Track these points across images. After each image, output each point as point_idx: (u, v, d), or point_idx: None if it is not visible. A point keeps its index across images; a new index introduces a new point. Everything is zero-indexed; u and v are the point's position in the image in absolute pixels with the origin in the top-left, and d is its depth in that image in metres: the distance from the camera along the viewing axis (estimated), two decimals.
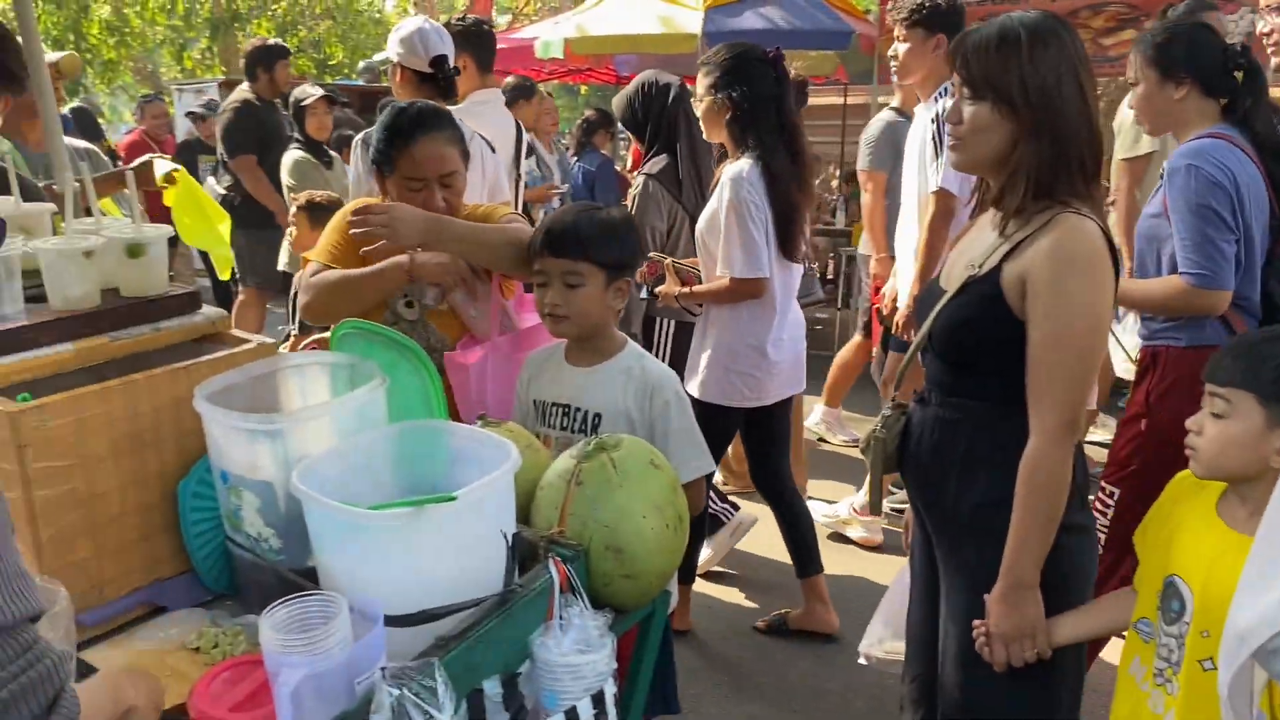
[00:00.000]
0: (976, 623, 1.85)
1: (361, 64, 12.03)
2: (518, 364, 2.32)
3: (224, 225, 3.52)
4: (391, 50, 3.38)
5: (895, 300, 4.02)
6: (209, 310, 1.86)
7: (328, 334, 2.04)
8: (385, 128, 2.28)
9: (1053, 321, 1.73)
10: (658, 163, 3.71)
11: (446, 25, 3.63)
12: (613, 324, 2.18)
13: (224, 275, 3.56)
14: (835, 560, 4.00)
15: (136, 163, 3.28)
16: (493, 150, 3.48)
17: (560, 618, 1.50)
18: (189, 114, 7.44)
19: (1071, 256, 1.73)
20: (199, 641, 1.56)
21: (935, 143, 3.55)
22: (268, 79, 5.73)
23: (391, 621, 1.37)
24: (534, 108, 6.15)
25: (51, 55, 3.38)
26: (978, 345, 1.89)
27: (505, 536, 1.46)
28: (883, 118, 4.68)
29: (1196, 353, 2.53)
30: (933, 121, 3.58)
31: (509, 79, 6.16)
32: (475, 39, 3.76)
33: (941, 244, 3.51)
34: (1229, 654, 0.84)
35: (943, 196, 3.51)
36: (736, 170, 3.11)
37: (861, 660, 2.47)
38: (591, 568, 1.61)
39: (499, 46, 7.53)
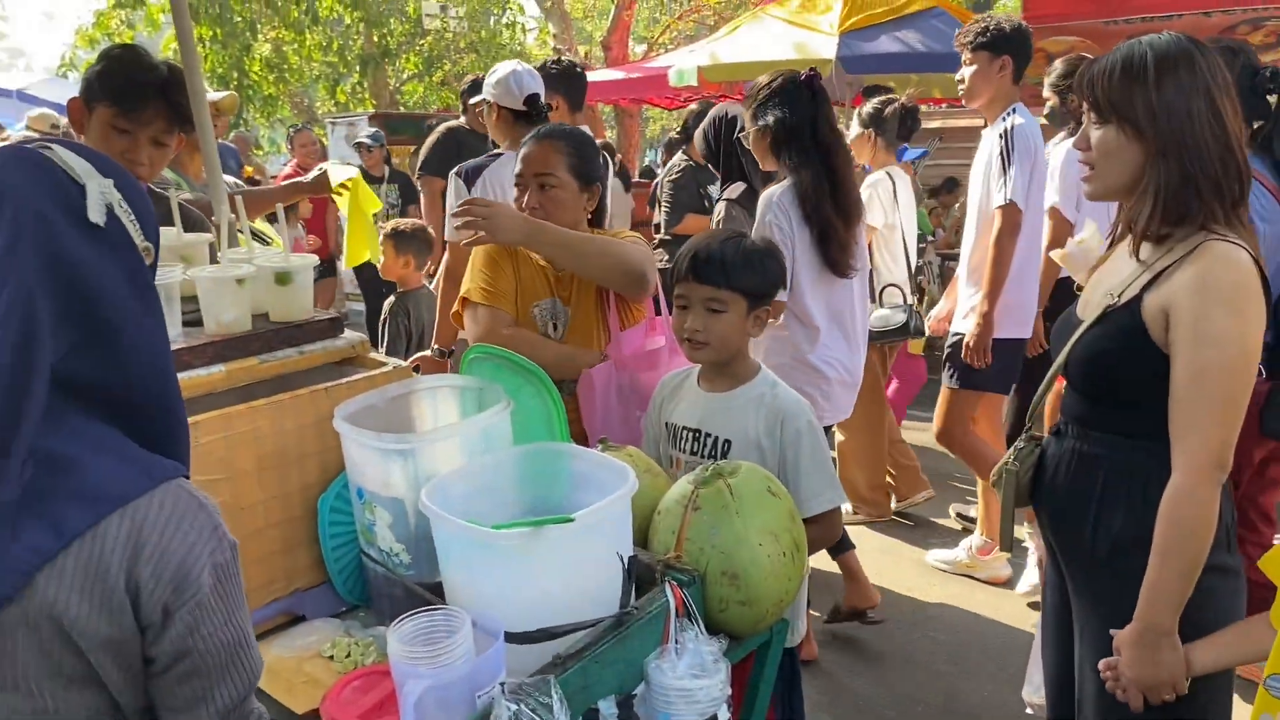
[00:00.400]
0: (1105, 662, 1.78)
1: None
2: (643, 384, 2.36)
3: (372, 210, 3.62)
4: (487, 91, 3.60)
5: (950, 320, 3.96)
6: (350, 335, 1.96)
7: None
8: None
9: (1197, 355, 1.66)
10: (736, 188, 3.80)
11: (541, 68, 3.91)
12: (748, 351, 2.18)
13: (347, 264, 3.71)
14: (955, 593, 3.92)
15: (314, 172, 3.46)
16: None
17: (675, 641, 1.52)
18: (356, 144, 7.69)
19: (1217, 287, 1.66)
20: (333, 650, 1.64)
21: (1004, 158, 3.54)
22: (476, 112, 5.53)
23: (511, 638, 1.42)
24: None
25: (213, 95, 3.61)
26: (1117, 378, 1.82)
27: (621, 559, 1.49)
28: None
29: None
30: (1001, 137, 3.57)
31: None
32: (568, 80, 4.01)
33: (1009, 259, 3.53)
34: None
35: (1010, 211, 3.50)
36: (768, 194, 3.17)
37: (1028, 710, 2.41)
38: (707, 593, 1.62)
39: (634, 75, 7.65)
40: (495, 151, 3.63)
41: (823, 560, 3.69)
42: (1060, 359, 1.93)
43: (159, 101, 2.27)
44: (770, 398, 2.09)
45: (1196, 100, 1.68)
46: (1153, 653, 1.68)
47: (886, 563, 4.20)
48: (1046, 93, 4.25)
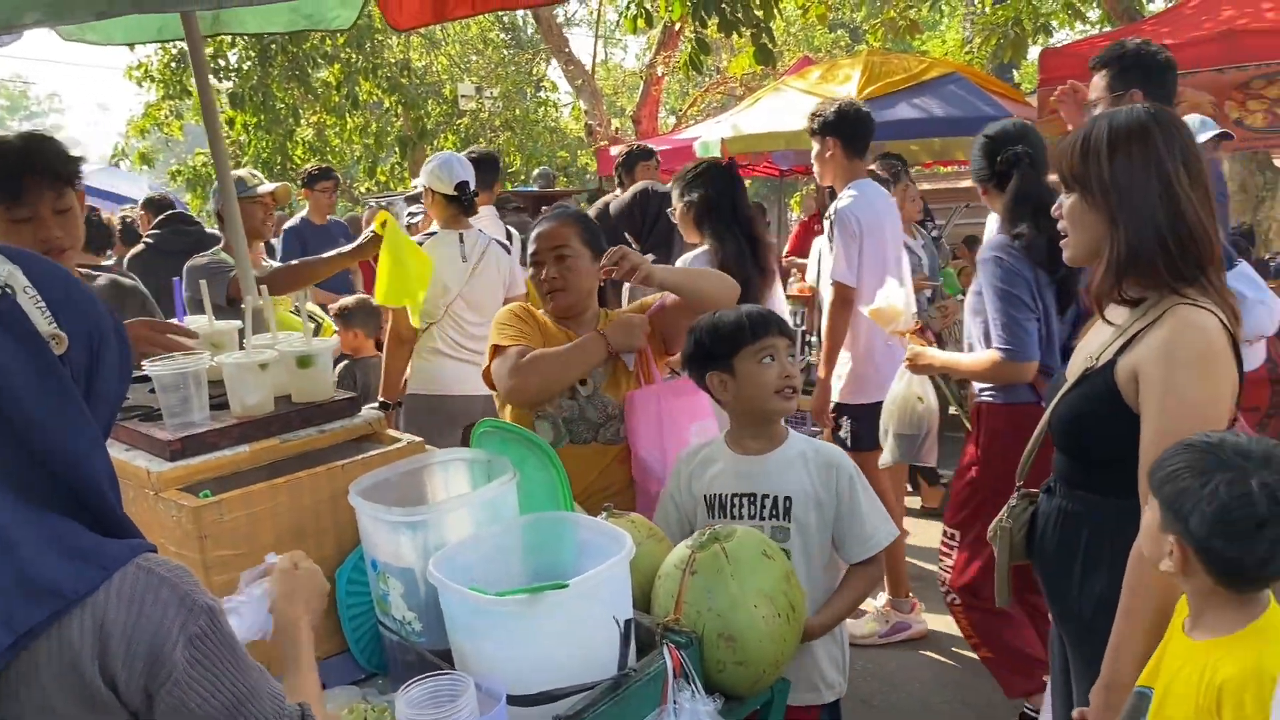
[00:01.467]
0: (1076, 712, 1.82)
1: (536, 171, 12.71)
2: (672, 411, 2.52)
3: (426, 271, 3.73)
4: (423, 178, 4.05)
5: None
6: (367, 412, 2.07)
7: None
8: None
9: (1163, 418, 1.71)
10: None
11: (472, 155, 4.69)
12: (775, 417, 2.26)
13: (414, 323, 3.84)
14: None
15: (363, 237, 3.69)
16: (508, 251, 4.19)
17: (674, 702, 1.59)
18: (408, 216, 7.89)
19: (1183, 352, 1.72)
20: (350, 717, 1.71)
21: (829, 239, 3.95)
22: (630, 183, 5.50)
23: (514, 701, 1.49)
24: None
25: (266, 186, 3.86)
26: (1095, 438, 1.89)
27: (618, 622, 1.56)
28: None
29: (1011, 408, 2.99)
30: (826, 219, 3.98)
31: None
32: (478, 165, 4.59)
33: (840, 331, 3.90)
34: None
35: (837, 288, 3.89)
36: (684, 260, 3.56)
37: None
38: (705, 654, 1.69)
39: (664, 148, 7.81)
40: (430, 231, 4.09)
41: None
42: (1044, 419, 1.99)
43: (30, 175, 2.21)
44: (813, 452, 2.21)
45: (1147, 173, 1.77)
46: (1115, 707, 1.72)
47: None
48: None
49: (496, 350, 2.49)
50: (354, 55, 12.39)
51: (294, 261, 4.49)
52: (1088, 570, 1.88)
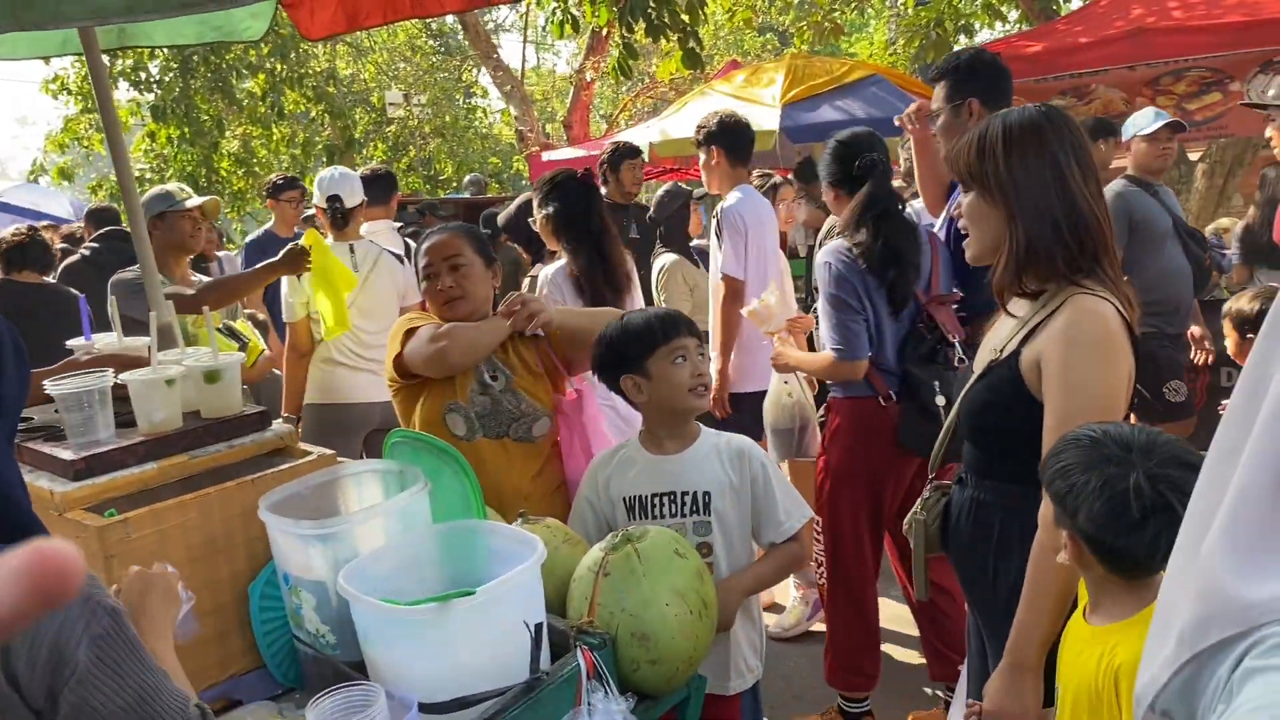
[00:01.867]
0: (970, 702, 1.87)
1: (467, 178, 12.65)
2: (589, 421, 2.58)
3: (348, 291, 3.84)
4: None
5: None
6: (278, 426, 2.05)
7: None
8: None
9: (1064, 403, 1.77)
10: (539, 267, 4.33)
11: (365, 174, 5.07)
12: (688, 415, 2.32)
13: (327, 338, 3.89)
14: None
15: (284, 250, 3.71)
16: (402, 262, 4.38)
17: (588, 703, 1.60)
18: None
19: (1081, 338, 1.78)
20: None
21: (718, 235, 4.13)
22: (615, 182, 5.51)
23: (426, 709, 1.50)
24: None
25: (194, 200, 3.83)
26: (1001, 428, 1.94)
27: (528, 627, 1.57)
28: (1113, 187, 4.54)
29: (852, 402, 3.14)
30: (713, 218, 4.17)
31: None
32: (369, 183, 4.89)
33: (732, 323, 4.06)
34: (1135, 715, 0.90)
35: (727, 281, 4.08)
36: (544, 272, 3.69)
37: None
38: (619, 655, 1.70)
39: (594, 153, 7.84)
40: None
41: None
42: (954, 411, 2.04)
43: None
44: (725, 444, 2.27)
45: (1041, 168, 1.82)
46: (1016, 687, 1.78)
47: None
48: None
49: (408, 335, 2.50)
50: (278, 65, 12.25)
51: (222, 277, 4.45)
52: (1000, 557, 1.93)
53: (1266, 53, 5.95)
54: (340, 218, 4.22)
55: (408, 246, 5.07)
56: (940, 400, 2.97)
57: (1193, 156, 7.93)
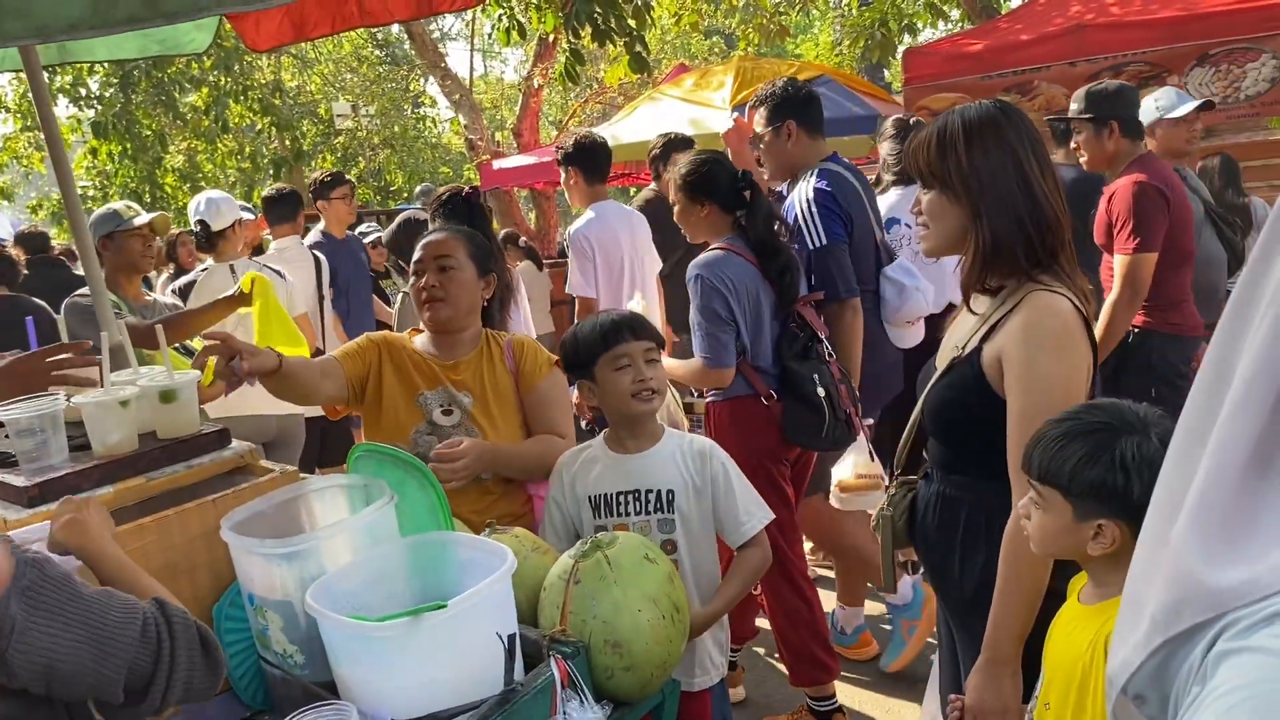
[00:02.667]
0: (953, 698, 1.88)
1: (418, 188, 12.56)
2: None
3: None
4: None
5: None
6: (238, 445, 2.02)
7: None
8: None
9: (1026, 398, 1.79)
10: None
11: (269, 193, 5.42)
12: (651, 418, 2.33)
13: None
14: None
15: (230, 291, 3.66)
16: (282, 277, 4.49)
17: (563, 713, 1.59)
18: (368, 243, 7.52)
19: (1041, 334, 1.79)
20: None
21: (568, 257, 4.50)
22: (665, 173, 5.19)
23: None
24: None
25: (144, 216, 3.78)
26: (965, 424, 1.95)
27: (502, 638, 1.55)
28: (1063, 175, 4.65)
29: (733, 403, 3.24)
30: (561, 240, 4.56)
31: None
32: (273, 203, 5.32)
33: None
34: (1106, 695, 0.91)
35: (581, 301, 4.44)
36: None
37: None
38: (593, 662, 1.69)
39: (545, 160, 7.81)
40: (204, 266, 4.55)
41: None
42: (917, 407, 2.06)
43: None
44: (687, 444, 2.29)
45: (1003, 163, 1.83)
46: (995, 682, 1.79)
47: None
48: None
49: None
50: (222, 78, 12.07)
51: (177, 313, 4.38)
52: (968, 551, 1.94)
53: (1201, 46, 6.07)
54: (206, 241, 4.46)
55: (318, 261, 5.21)
56: (821, 392, 3.13)
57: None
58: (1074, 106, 3.94)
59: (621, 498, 2.26)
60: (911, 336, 3.71)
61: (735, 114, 4.06)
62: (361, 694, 1.54)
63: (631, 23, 7.21)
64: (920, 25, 10.84)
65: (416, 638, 1.48)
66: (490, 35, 17.00)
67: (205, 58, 11.50)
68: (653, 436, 2.30)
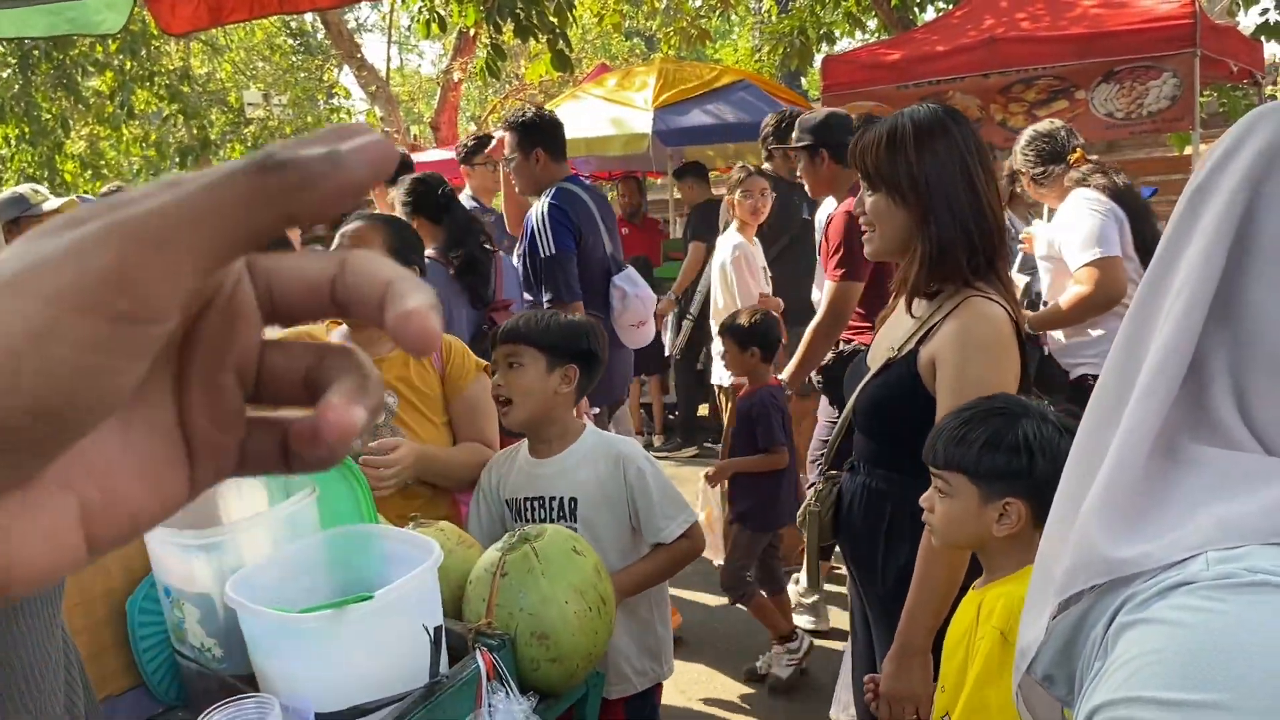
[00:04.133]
0: (868, 678, 1.93)
1: None
2: None
3: None
4: None
5: None
6: None
7: None
8: None
9: (957, 400, 1.82)
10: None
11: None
12: (567, 411, 2.29)
13: None
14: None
15: None
16: None
17: (489, 705, 1.58)
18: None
19: (974, 340, 1.84)
20: None
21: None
22: (780, 156, 4.93)
23: (322, 718, 1.45)
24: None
25: (53, 201, 3.66)
26: (897, 422, 1.99)
27: (428, 630, 1.54)
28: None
29: None
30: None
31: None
32: None
33: None
34: (1015, 670, 0.95)
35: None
36: None
37: None
38: (519, 654, 1.69)
39: None
40: None
41: None
42: (849, 405, 2.10)
43: None
44: (604, 447, 2.25)
45: (951, 168, 1.87)
46: (906, 670, 1.84)
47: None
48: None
49: None
50: (128, 62, 11.69)
51: None
52: (891, 544, 1.98)
53: (1107, 63, 6.29)
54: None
55: None
56: None
57: None
58: (794, 135, 4.08)
59: (529, 504, 2.25)
60: (640, 337, 4.04)
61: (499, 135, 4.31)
62: (284, 687, 1.51)
63: (554, 20, 7.20)
64: (838, 34, 11.02)
65: (341, 630, 1.46)
66: (409, 27, 16.79)
67: (110, 41, 11.14)
68: (566, 439, 2.26)
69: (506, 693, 1.59)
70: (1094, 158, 3.69)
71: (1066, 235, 3.41)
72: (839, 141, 3.77)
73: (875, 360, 2.06)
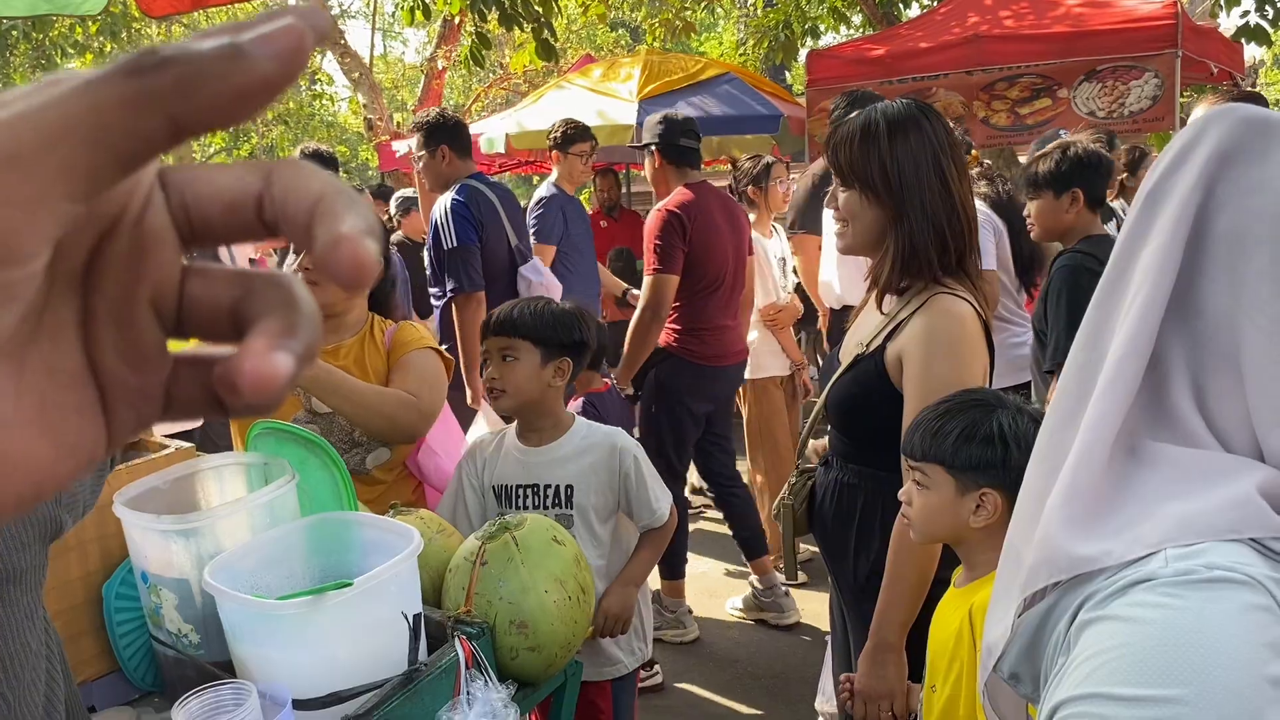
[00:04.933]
0: (843, 677, 1.94)
1: None
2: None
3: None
4: None
5: None
6: None
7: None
8: None
9: (923, 396, 1.83)
10: None
11: None
12: (559, 402, 2.33)
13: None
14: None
15: None
16: None
17: (467, 693, 1.59)
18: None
19: (940, 337, 1.85)
20: None
21: None
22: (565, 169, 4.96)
23: (300, 705, 1.45)
24: None
25: None
26: (867, 417, 2.00)
27: (407, 618, 1.54)
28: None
29: None
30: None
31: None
32: None
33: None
34: (981, 669, 0.96)
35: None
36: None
37: (819, 718, 2.56)
38: (498, 643, 1.70)
39: None
40: None
41: None
42: (821, 399, 2.11)
43: None
44: (598, 436, 2.29)
45: (925, 163, 1.86)
46: (880, 667, 1.85)
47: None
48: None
49: None
50: (108, 44, 11.59)
51: None
52: (863, 538, 2.00)
53: (1090, 62, 6.33)
54: None
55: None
56: None
57: (1022, 159, 8.39)
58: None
59: (521, 491, 2.26)
60: None
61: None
62: (261, 674, 1.51)
63: (539, 9, 7.17)
64: (823, 29, 11.02)
65: (320, 616, 1.46)
66: (393, 14, 16.70)
67: (90, 22, 11.03)
68: (558, 429, 2.29)
69: (485, 681, 1.59)
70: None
71: None
72: (670, 142, 3.97)
73: (846, 356, 2.07)
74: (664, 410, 3.94)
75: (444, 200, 4.02)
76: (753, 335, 4.36)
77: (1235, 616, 0.73)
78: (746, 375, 4.29)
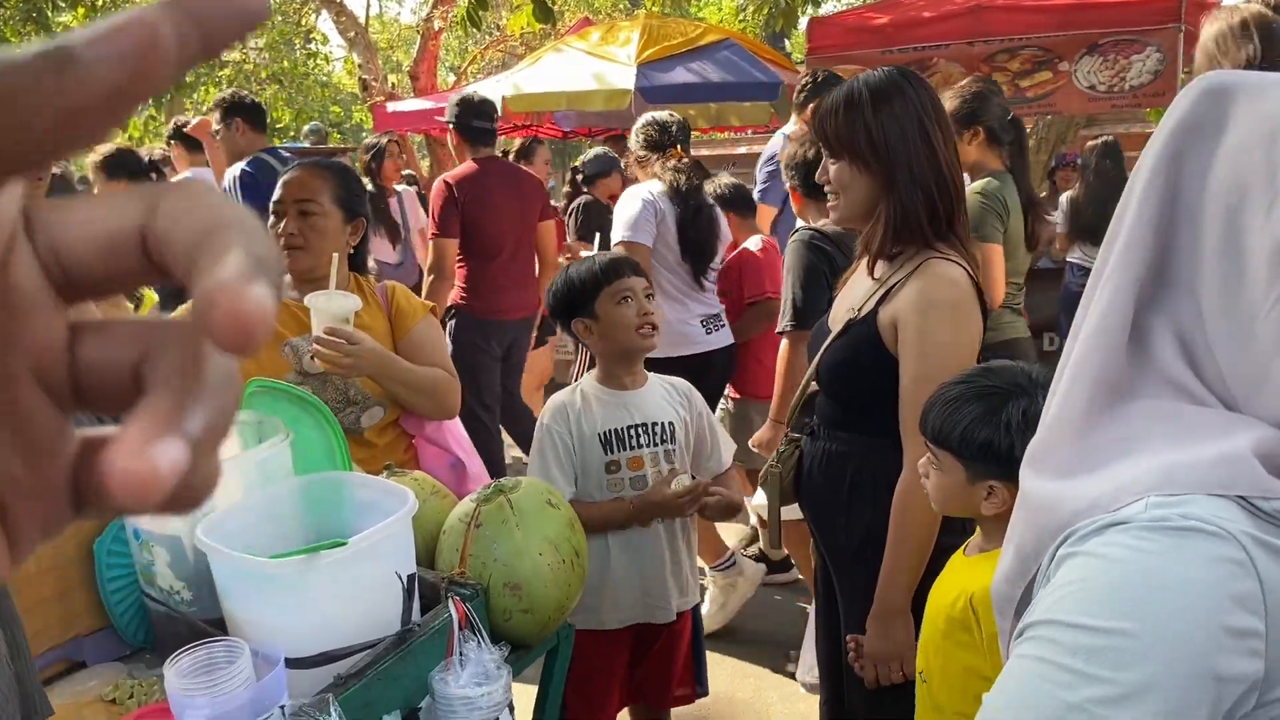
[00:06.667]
0: (850, 637, 1.95)
1: (307, 126, 12.16)
2: None
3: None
4: None
5: None
6: None
7: None
8: None
9: (919, 362, 1.84)
10: None
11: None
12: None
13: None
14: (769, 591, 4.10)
15: None
16: None
17: (460, 654, 1.59)
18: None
19: (936, 301, 1.85)
20: (115, 694, 1.62)
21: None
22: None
23: (293, 663, 1.45)
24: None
25: None
26: (859, 383, 2.00)
27: (401, 579, 1.54)
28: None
29: None
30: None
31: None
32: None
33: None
34: (1001, 632, 1.02)
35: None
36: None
37: (802, 689, 2.58)
38: (491, 605, 1.70)
39: (443, 105, 7.68)
40: None
41: None
42: (812, 366, 2.10)
43: None
44: (670, 385, 2.42)
45: (910, 129, 1.87)
46: (888, 629, 1.87)
47: None
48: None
49: None
50: None
51: None
52: (853, 505, 2.00)
53: (1091, 35, 6.29)
54: None
55: None
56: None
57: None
58: None
59: (631, 431, 2.30)
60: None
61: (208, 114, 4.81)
62: (254, 632, 1.50)
63: None
64: None
65: (314, 576, 1.46)
66: None
67: None
68: (644, 376, 2.38)
69: (478, 642, 1.59)
70: (686, 160, 3.87)
71: (615, 215, 3.87)
72: (464, 123, 4.44)
73: (836, 322, 2.07)
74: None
75: (232, 171, 4.36)
76: None
77: (1200, 565, 0.77)
78: None
